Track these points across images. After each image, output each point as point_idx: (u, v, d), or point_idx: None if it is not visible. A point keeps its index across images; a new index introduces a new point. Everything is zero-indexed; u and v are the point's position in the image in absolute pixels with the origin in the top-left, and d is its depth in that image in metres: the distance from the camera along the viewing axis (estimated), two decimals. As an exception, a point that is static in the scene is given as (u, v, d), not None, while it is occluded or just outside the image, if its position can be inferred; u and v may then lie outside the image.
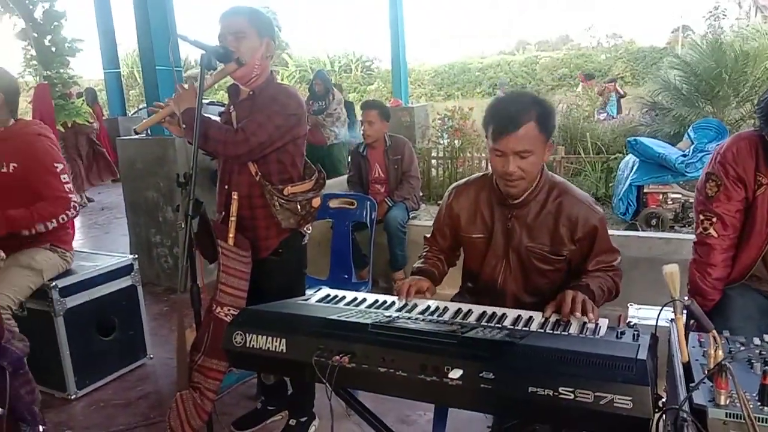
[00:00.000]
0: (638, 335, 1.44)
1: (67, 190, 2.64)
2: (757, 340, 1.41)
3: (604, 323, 1.59)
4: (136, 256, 3.25)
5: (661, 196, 5.10)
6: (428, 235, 2.19)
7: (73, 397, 2.87)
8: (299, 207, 2.18)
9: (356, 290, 1.99)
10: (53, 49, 4.40)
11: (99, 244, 6.07)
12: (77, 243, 5.91)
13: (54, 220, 2.59)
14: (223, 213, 2.23)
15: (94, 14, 7.98)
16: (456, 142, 7.04)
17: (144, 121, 2.18)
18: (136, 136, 4.83)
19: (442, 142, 7.37)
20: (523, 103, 1.79)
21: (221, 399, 2.78)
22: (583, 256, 1.91)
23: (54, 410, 2.77)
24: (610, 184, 6.06)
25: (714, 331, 1.24)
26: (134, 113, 11.25)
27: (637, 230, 4.81)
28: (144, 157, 4.51)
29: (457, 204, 2.04)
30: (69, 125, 7.58)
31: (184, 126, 2.06)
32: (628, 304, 2.55)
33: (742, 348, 1.37)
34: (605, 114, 8.63)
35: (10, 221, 2.49)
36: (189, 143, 2.03)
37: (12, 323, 2.43)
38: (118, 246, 5.39)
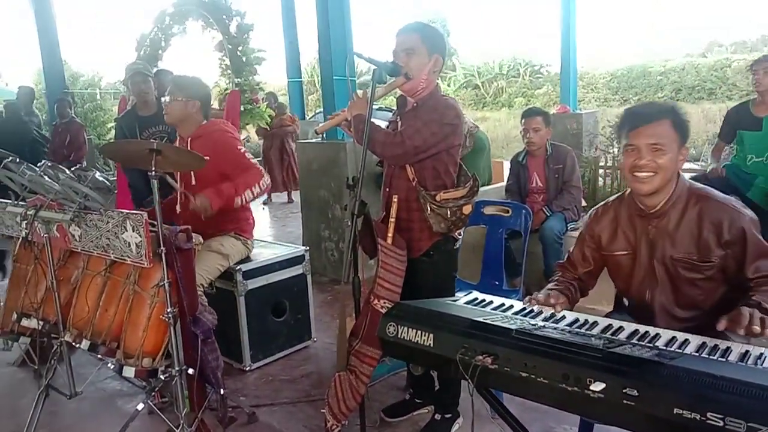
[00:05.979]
0: (810, 369, 1.33)
1: (255, 162, 3.01)
2: None
3: (769, 353, 1.49)
4: (308, 248, 3.58)
5: None
6: (561, 262, 2.20)
7: (247, 369, 3.25)
8: (449, 213, 2.28)
9: (506, 297, 2.03)
10: (243, 58, 5.00)
11: (277, 235, 6.74)
12: (260, 232, 6.63)
13: (256, 186, 2.93)
14: (384, 214, 2.41)
15: (281, 28, 8.85)
16: (627, 151, 6.62)
17: (323, 123, 2.50)
18: (314, 140, 5.31)
19: (611, 150, 6.98)
20: (658, 105, 1.88)
21: (374, 387, 2.97)
22: (738, 263, 1.79)
23: (231, 378, 3.16)
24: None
25: None
26: (311, 117, 12.18)
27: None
28: (319, 160, 4.92)
29: (597, 225, 2.06)
30: (267, 130, 8.15)
31: (353, 129, 2.29)
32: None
33: None
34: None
35: (220, 193, 2.83)
36: (358, 144, 2.25)
37: (204, 299, 2.83)
38: (294, 238, 5.92)
